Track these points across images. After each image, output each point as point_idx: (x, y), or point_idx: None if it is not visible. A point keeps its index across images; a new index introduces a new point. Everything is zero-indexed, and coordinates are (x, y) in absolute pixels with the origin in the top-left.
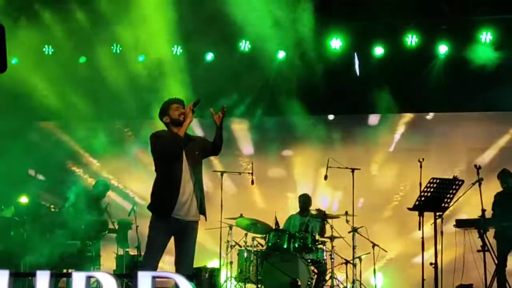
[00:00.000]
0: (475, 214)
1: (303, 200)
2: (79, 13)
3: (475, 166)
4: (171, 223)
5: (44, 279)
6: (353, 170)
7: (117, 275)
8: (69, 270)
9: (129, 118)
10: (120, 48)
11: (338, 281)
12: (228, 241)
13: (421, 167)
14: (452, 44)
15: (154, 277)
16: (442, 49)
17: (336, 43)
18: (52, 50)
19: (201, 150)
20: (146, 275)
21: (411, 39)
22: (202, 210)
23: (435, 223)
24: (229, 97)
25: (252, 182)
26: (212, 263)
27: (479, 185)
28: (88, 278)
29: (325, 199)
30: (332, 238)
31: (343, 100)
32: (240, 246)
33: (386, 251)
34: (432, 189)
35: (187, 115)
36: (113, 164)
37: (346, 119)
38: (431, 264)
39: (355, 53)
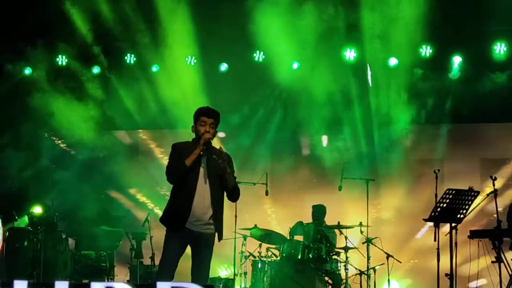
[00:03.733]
0: None
1: (317, 210)
2: None
3: (491, 177)
4: (185, 234)
5: None
6: (367, 181)
7: (135, 285)
8: (83, 281)
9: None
10: (135, 59)
11: None
12: (242, 252)
13: (436, 178)
14: (465, 55)
15: None
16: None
17: (350, 54)
18: None
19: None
20: (165, 286)
21: (426, 50)
22: (219, 234)
23: (450, 234)
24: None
25: (267, 193)
26: (226, 273)
27: (495, 196)
28: None
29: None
30: (346, 249)
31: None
32: (254, 257)
33: (400, 262)
34: (448, 200)
35: (197, 147)
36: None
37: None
38: (446, 275)
39: (367, 64)
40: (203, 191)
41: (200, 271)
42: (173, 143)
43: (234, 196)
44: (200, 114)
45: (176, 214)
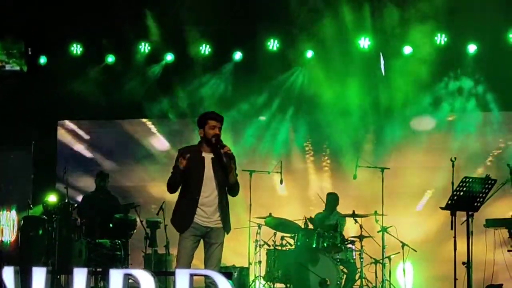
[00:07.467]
0: None
1: (330, 199)
2: None
3: (508, 165)
4: (195, 229)
5: (82, 276)
6: (382, 169)
7: (155, 272)
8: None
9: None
10: (149, 48)
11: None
12: (257, 241)
13: (453, 166)
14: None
15: (191, 275)
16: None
17: (364, 43)
18: None
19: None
20: (184, 272)
21: (441, 38)
22: (226, 228)
23: (467, 222)
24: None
25: (281, 182)
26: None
27: None
28: (126, 275)
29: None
30: (361, 237)
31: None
32: (269, 246)
33: (415, 251)
34: (464, 188)
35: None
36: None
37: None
38: (463, 263)
39: (381, 53)
40: (209, 194)
41: (211, 262)
42: (180, 148)
43: (235, 191)
44: (209, 118)
45: (182, 218)
